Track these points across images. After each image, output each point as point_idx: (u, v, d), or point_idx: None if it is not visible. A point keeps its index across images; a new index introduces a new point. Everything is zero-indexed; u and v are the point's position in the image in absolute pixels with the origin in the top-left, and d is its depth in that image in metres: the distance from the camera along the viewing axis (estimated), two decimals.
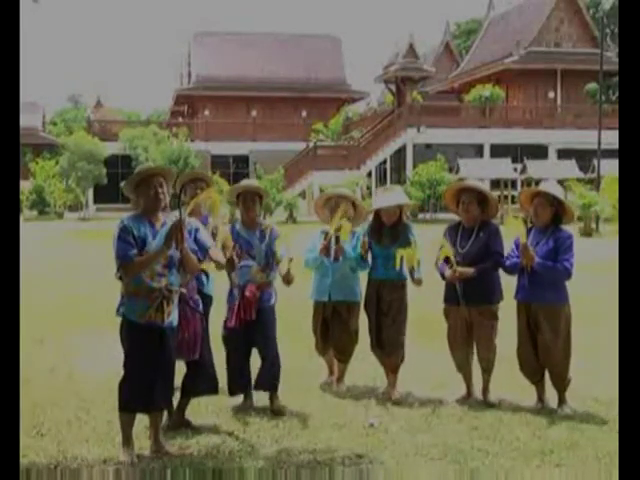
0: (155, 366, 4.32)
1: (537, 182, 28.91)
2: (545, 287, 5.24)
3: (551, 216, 5.31)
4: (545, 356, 5.32)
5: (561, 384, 5.37)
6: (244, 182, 5.61)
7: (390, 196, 5.69)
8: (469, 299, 5.41)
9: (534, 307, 5.30)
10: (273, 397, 5.39)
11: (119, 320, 4.42)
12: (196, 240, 4.62)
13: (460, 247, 5.47)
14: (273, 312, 5.45)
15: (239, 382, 5.40)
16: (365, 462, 4.37)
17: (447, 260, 5.44)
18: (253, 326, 5.28)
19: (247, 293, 5.23)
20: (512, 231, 5.22)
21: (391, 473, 4.23)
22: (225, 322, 5.39)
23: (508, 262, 5.40)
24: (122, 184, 4.50)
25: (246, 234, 5.36)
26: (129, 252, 4.20)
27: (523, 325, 5.39)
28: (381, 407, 5.47)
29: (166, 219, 4.41)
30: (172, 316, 4.40)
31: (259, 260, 5.32)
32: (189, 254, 4.37)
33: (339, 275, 5.78)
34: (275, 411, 5.28)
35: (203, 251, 4.65)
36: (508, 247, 5.45)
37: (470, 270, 5.34)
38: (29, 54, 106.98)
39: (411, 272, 5.56)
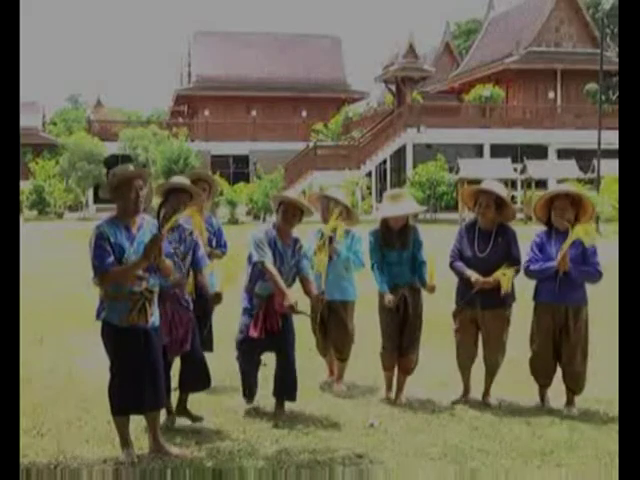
0: (142, 367, 4.30)
1: (537, 182, 29.06)
2: (574, 288, 5.28)
3: (574, 216, 5.32)
4: (569, 358, 5.33)
5: (579, 387, 5.39)
6: (292, 195, 5.48)
7: (399, 206, 5.53)
8: (485, 302, 5.38)
9: (562, 308, 5.29)
10: (279, 405, 5.36)
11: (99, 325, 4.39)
12: (194, 255, 4.91)
13: (479, 250, 5.43)
14: (292, 320, 5.38)
15: (254, 389, 5.42)
16: (365, 462, 4.37)
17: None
18: (275, 335, 5.22)
19: (277, 306, 5.13)
20: (584, 239, 5.18)
21: (391, 473, 4.23)
22: (243, 330, 5.28)
23: (536, 266, 5.33)
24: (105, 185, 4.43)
25: (281, 247, 5.25)
26: (106, 260, 4.13)
27: (548, 327, 5.35)
28: (381, 407, 5.48)
29: (143, 222, 4.36)
30: (154, 316, 4.39)
31: (287, 277, 5.24)
32: (164, 262, 4.31)
33: (334, 275, 5.78)
34: (276, 417, 5.26)
35: (195, 267, 4.95)
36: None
37: (489, 280, 5.28)
38: (29, 54, 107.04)
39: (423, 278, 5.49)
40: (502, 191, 5.50)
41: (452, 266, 5.54)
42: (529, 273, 5.40)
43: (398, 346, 5.60)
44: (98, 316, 4.35)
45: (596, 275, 5.27)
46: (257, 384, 5.45)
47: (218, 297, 5.05)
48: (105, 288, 4.27)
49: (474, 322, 5.50)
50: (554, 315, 5.33)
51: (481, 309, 5.42)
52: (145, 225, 4.35)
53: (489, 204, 5.42)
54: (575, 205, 5.35)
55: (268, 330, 5.19)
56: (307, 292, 5.32)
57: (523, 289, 5.55)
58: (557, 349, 5.37)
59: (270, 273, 5.07)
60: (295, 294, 5.19)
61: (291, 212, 5.24)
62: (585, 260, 5.25)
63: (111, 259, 4.15)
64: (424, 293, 5.56)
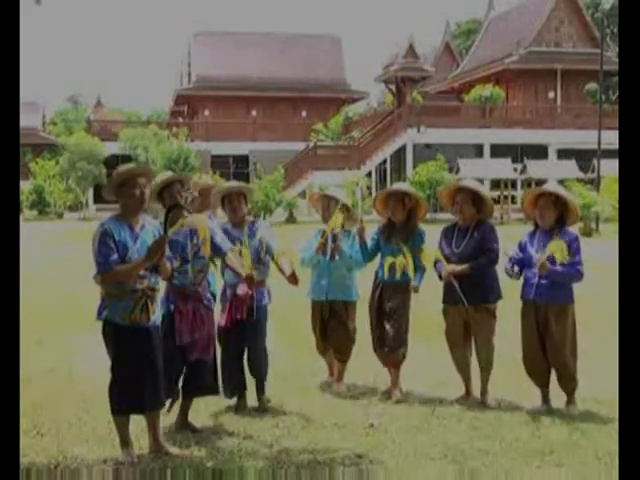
0: (143, 366, 4.30)
1: (537, 182, 29.06)
2: (555, 287, 5.24)
3: (556, 217, 5.31)
4: (554, 357, 5.31)
5: (570, 386, 5.37)
6: (226, 185, 5.66)
7: (394, 185, 5.79)
8: (467, 298, 5.41)
9: (544, 307, 5.28)
10: (260, 395, 5.40)
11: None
12: (212, 243, 4.79)
13: (455, 247, 5.48)
14: (265, 312, 5.43)
15: (233, 382, 5.38)
16: (365, 462, 4.37)
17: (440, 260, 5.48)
18: (245, 325, 5.27)
19: (239, 291, 5.21)
20: (557, 255, 5.16)
21: (391, 473, 4.23)
22: (218, 323, 5.36)
23: (509, 265, 5.40)
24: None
25: (235, 232, 5.37)
26: (110, 258, 4.14)
27: (532, 325, 5.35)
28: (381, 407, 5.48)
29: (144, 222, 4.37)
30: (156, 315, 4.39)
31: (251, 257, 5.26)
32: (165, 265, 4.34)
33: (336, 275, 5.82)
34: (260, 409, 5.30)
35: (217, 253, 4.84)
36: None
37: (459, 267, 5.35)
38: (29, 54, 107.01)
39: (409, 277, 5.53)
40: (478, 187, 5.54)
41: (435, 267, 5.59)
42: (508, 273, 5.45)
43: (383, 342, 5.68)
44: (99, 315, 4.34)
45: (576, 276, 5.22)
46: (240, 379, 5.38)
47: (251, 279, 5.06)
48: (107, 286, 4.27)
49: (461, 319, 5.52)
50: (536, 313, 5.33)
51: (464, 306, 5.43)
52: (147, 225, 4.37)
53: (466, 201, 5.47)
54: (560, 206, 5.33)
55: (234, 318, 5.22)
56: (281, 270, 5.38)
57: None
58: (544, 348, 5.36)
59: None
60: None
61: (236, 199, 5.38)
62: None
63: (115, 257, 4.16)
64: (421, 294, 5.58)
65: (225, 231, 5.37)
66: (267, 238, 5.40)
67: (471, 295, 5.39)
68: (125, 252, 4.20)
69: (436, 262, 5.56)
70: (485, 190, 5.73)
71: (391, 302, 5.65)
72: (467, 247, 5.44)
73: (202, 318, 4.76)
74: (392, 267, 5.50)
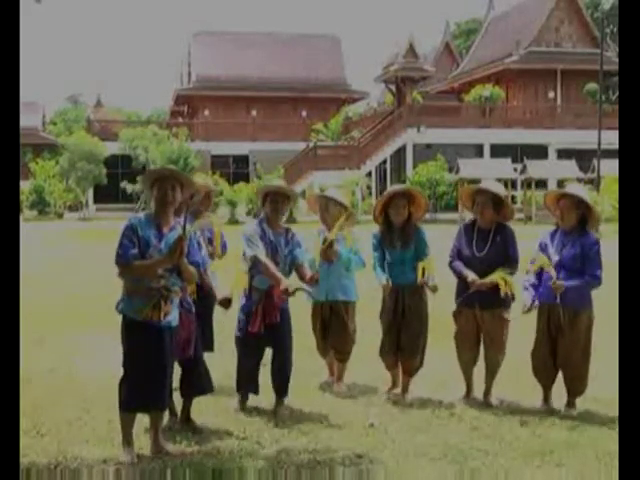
0: (153, 365, 4.31)
1: (537, 182, 29.06)
2: (568, 290, 5.20)
3: (577, 219, 5.29)
4: (564, 359, 5.31)
5: (577, 389, 5.36)
6: (276, 183, 5.64)
7: (396, 185, 5.75)
8: (483, 302, 5.39)
9: (556, 309, 5.26)
10: (279, 401, 5.37)
11: (119, 320, 4.41)
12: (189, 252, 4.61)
13: (477, 250, 5.44)
14: (289, 315, 5.41)
15: (251, 385, 5.38)
16: (365, 462, 4.37)
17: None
18: (273, 329, 5.23)
19: (276, 299, 5.14)
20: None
21: (391, 473, 4.23)
22: (242, 327, 5.29)
23: (526, 293, 5.37)
24: (138, 180, 4.51)
25: (273, 237, 5.28)
26: (129, 252, 4.21)
27: (544, 327, 5.36)
28: (381, 407, 5.48)
29: (176, 224, 4.40)
30: (171, 316, 4.38)
31: (283, 266, 5.25)
32: (186, 266, 4.33)
33: (335, 276, 5.81)
34: (277, 415, 5.26)
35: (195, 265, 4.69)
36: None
37: (487, 281, 5.28)
38: (29, 54, 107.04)
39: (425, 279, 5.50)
40: (500, 190, 5.51)
41: (451, 266, 5.57)
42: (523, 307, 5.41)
43: (397, 347, 5.62)
44: (117, 307, 4.39)
45: (593, 282, 5.19)
46: (257, 383, 5.40)
47: (228, 302, 5.03)
48: (125, 280, 4.33)
49: (474, 322, 5.51)
50: (549, 316, 5.33)
51: (480, 309, 5.43)
52: (178, 228, 4.38)
53: (487, 203, 5.44)
54: (582, 208, 5.28)
55: (267, 324, 5.20)
56: (302, 277, 5.29)
57: None
58: (554, 350, 5.36)
59: (264, 265, 5.08)
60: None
61: (280, 200, 5.30)
62: (584, 262, 5.18)
63: (135, 251, 4.21)
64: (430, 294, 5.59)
65: (264, 233, 5.25)
66: (295, 249, 5.34)
67: (488, 300, 5.35)
68: (146, 249, 4.24)
69: (452, 260, 5.56)
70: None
71: (408, 305, 5.58)
72: (490, 253, 5.39)
73: (182, 320, 4.72)
74: (423, 271, 5.46)
